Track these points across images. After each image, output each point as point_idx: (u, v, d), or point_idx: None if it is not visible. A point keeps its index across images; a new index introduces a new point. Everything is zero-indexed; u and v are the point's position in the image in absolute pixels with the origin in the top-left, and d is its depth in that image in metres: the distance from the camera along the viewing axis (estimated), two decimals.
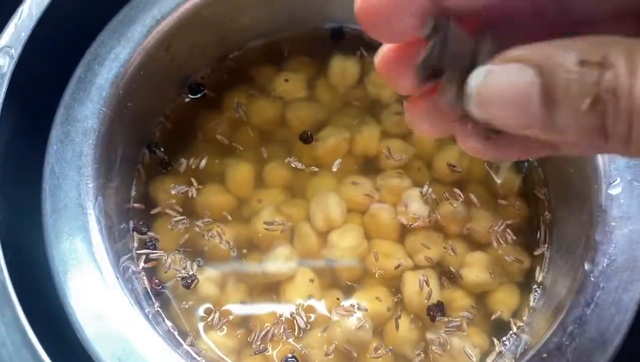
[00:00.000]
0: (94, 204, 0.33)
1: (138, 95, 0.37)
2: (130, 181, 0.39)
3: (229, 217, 0.38)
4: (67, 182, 0.33)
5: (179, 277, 0.36)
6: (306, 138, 0.40)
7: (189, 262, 0.37)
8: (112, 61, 0.35)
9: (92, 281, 0.31)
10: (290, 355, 0.35)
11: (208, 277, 0.36)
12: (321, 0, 0.42)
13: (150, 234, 0.38)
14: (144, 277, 0.36)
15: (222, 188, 0.39)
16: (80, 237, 0.32)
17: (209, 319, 0.36)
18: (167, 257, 0.37)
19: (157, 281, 0.36)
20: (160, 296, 0.36)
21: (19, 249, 0.31)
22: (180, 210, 0.38)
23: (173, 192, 0.39)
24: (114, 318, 0.30)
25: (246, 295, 0.36)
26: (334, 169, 0.39)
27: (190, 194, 0.39)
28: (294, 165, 0.40)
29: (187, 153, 0.40)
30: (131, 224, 0.38)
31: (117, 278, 0.32)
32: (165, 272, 0.37)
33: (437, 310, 0.36)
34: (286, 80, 0.42)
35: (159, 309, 0.36)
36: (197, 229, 0.38)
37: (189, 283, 0.36)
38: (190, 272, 0.36)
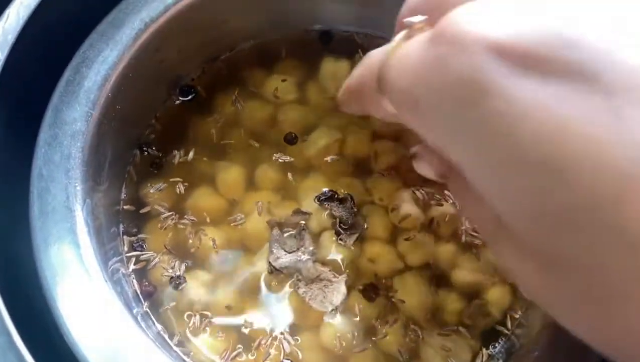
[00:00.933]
0: (83, 206, 0.33)
1: (127, 98, 0.36)
2: (120, 183, 0.39)
3: (220, 219, 0.38)
4: (55, 185, 0.32)
5: (168, 278, 0.36)
6: (290, 139, 0.40)
7: (178, 264, 0.37)
8: (101, 64, 0.35)
9: (80, 283, 0.31)
10: (283, 358, 0.34)
11: (198, 279, 0.36)
12: (310, 2, 0.42)
13: (140, 236, 0.37)
14: (134, 279, 0.36)
15: (213, 190, 0.39)
16: (69, 240, 0.31)
17: (198, 321, 0.35)
18: (157, 259, 0.37)
19: (146, 283, 0.36)
20: (149, 298, 0.36)
21: (6, 251, 0.31)
22: (171, 212, 0.38)
23: (163, 194, 0.39)
24: (103, 320, 0.30)
25: (237, 297, 0.36)
26: (327, 160, 0.40)
27: (180, 195, 0.39)
28: (283, 166, 0.40)
29: (178, 155, 0.40)
30: (121, 226, 0.38)
31: (106, 280, 0.31)
32: (155, 274, 0.36)
33: (372, 290, 0.36)
34: (283, 80, 0.42)
35: (148, 311, 0.35)
36: (187, 231, 0.38)
37: (178, 284, 0.36)
38: (177, 273, 0.36)
